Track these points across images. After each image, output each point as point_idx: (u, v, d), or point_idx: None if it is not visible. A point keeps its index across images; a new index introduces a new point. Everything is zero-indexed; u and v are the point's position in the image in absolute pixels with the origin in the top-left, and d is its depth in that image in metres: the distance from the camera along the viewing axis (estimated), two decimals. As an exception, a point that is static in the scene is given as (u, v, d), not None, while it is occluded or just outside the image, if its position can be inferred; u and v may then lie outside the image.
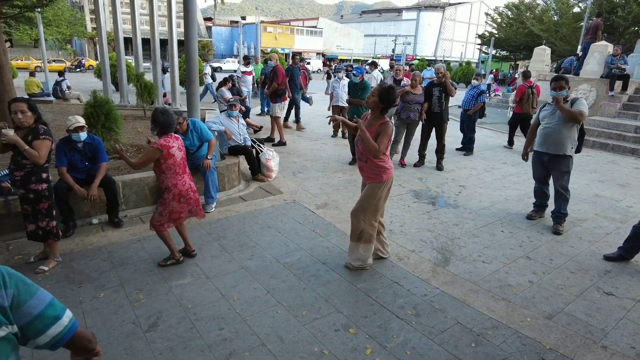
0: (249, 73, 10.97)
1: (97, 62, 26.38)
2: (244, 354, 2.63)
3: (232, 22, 70.63)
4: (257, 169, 6.10)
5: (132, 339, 2.78)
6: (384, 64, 28.67)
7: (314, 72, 41.08)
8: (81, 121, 4.22)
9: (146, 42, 11.57)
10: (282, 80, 8.46)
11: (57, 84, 13.12)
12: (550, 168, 4.85)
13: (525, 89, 8.54)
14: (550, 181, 4.98)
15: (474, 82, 8.29)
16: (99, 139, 4.47)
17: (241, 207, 5.10)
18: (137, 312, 3.04)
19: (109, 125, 6.05)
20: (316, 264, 3.81)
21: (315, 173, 6.64)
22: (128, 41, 26.84)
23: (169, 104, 11.34)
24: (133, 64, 11.92)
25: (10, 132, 3.40)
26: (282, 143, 8.34)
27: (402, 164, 7.16)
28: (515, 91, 9.35)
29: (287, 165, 6.84)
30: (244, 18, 72.72)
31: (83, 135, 4.20)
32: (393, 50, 55.27)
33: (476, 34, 47.96)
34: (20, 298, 1.08)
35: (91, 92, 6.10)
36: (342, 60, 63.15)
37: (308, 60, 49.14)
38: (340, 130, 9.54)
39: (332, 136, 9.52)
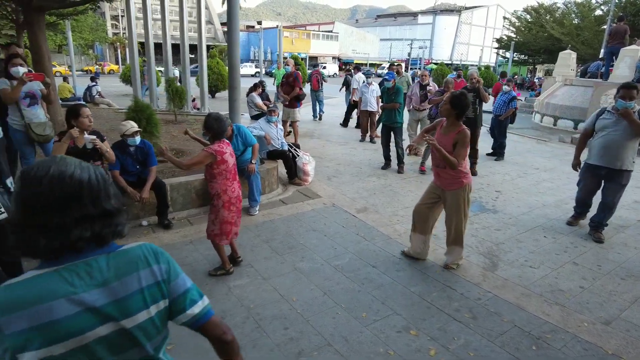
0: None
1: (123, 66, 27.02)
2: (312, 353, 2.72)
3: (247, 26, 71.44)
4: (294, 173, 6.21)
5: (199, 338, 2.87)
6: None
7: (329, 76, 41.34)
8: (136, 126, 4.37)
9: (169, 47, 11.82)
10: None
11: (88, 89, 13.49)
12: (606, 181, 4.63)
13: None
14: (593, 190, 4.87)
15: (505, 87, 8.29)
16: (149, 143, 4.63)
17: (283, 211, 5.20)
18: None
19: (149, 129, 6.22)
20: (366, 267, 3.88)
21: (350, 177, 6.72)
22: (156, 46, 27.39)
23: (198, 109, 11.56)
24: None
25: (92, 137, 3.59)
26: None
27: (421, 170, 7.14)
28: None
29: (320, 170, 6.93)
30: (259, 23, 73.51)
31: (138, 139, 4.36)
32: (409, 54, 55.23)
33: (494, 38, 47.64)
34: (171, 274, 1.15)
35: (132, 98, 6.29)
36: (358, 64, 63.30)
37: (324, 65, 49.44)
38: (367, 134, 9.61)
39: (360, 140, 9.59)
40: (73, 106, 3.73)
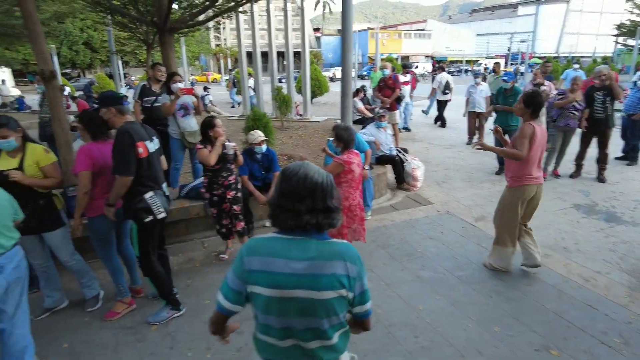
0: (407, 83, 10.72)
1: (228, 76, 29.16)
2: (447, 364, 2.70)
3: (339, 30, 72.51)
4: (402, 178, 6.19)
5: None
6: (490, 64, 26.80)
7: (421, 75, 40.14)
8: (263, 136, 4.71)
9: (264, 55, 12.44)
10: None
11: (202, 98, 14.80)
12: None
13: None
14: None
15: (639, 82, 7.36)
16: (273, 150, 4.95)
17: (395, 216, 5.21)
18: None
19: (266, 136, 6.66)
20: (492, 279, 3.73)
21: (461, 183, 6.50)
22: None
23: (300, 115, 12.05)
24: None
25: (233, 144, 3.99)
26: None
27: (555, 175, 6.65)
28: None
29: (428, 175, 6.80)
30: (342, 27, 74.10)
31: (264, 147, 4.69)
32: (509, 49, 51.62)
33: (614, 25, 42.38)
34: (360, 275, 1.42)
35: (251, 108, 6.76)
36: (452, 62, 60.76)
37: (415, 64, 48.22)
38: (475, 137, 9.19)
39: (467, 143, 9.21)
40: (208, 119, 4.14)
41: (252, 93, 16.96)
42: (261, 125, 6.55)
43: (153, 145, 3.08)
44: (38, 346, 2.80)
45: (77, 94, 15.91)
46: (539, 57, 48.94)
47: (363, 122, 8.20)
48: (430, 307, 3.33)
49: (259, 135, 4.66)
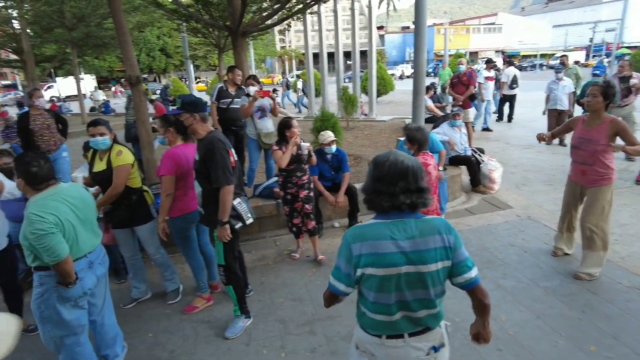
0: (491, 78, 10.26)
1: (281, 79, 29.76)
2: (537, 384, 2.50)
3: (403, 27, 71.21)
4: (478, 180, 5.88)
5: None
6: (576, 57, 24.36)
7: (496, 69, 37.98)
8: (333, 136, 4.70)
9: (330, 56, 12.44)
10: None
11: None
12: None
13: None
14: None
15: None
16: (343, 151, 4.92)
17: (472, 221, 4.96)
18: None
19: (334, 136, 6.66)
20: (584, 292, 3.41)
21: (542, 186, 6.05)
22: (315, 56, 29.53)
23: (365, 114, 11.95)
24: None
25: (307, 144, 4.03)
26: None
27: (638, 181, 5.94)
28: None
29: (506, 177, 6.40)
30: (415, 23, 72.43)
31: (334, 147, 4.68)
32: (591, 40, 47.58)
33: None
34: (456, 245, 1.54)
35: (320, 109, 6.80)
36: (525, 57, 57.18)
37: (485, 60, 45.87)
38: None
39: (547, 143, 8.56)
40: (285, 119, 4.19)
41: (301, 94, 17.74)
42: (329, 125, 6.55)
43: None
44: (125, 334, 3.01)
45: (153, 97, 17.07)
46: (627, 47, 44.49)
47: (433, 120, 7.91)
48: (513, 319, 3.11)
49: (329, 135, 4.65)
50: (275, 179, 4.88)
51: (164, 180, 3.16)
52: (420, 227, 1.52)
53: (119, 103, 24.23)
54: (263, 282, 3.90)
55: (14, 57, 18.03)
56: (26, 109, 10.82)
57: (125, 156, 3.21)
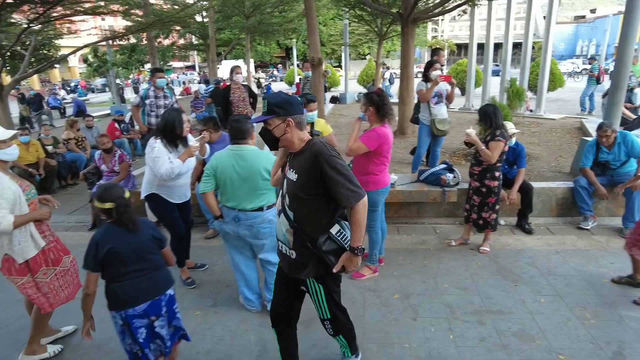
0: None
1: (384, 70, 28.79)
2: None
3: (576, 17, 62.36)
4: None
5: (595, 358, 2.67)
6: None
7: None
8: (514, 128, 4.41)
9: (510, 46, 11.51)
10: None
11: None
12: None
13: None
14: None
15: None
16: (522, 145, 4.59)
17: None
18: (592, 332, 2.90)
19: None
20: None
21: None
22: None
23: (531, 110, 10.94)
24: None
25: (473, 132, 3.91)
26: None
27: None
28: None
29: None
30: (593, 11, 62.83)
31: (514, 140, 4.39)
32: None
33: None
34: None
35: (490, 98, 6.45)
36: None
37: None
38: None
39: None
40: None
41: (387, 84, 18.20)
42: (500, 118, 6.18)
43: None
44: None
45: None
46: None
47: (625, 123, 6.87)
48: None
49: (510, 127, 4.38)
50: (443, 166, 4.83)
51: (356, 145, 3.32)
52: None
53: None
54: (425, 265, 3.94)
55: (197, 42, 21.17)
56: (211, 86, 12.63)
57: (329, 127, 3.74)
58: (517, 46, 12.41)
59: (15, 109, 16.28)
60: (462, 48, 49.24)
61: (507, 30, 10.93)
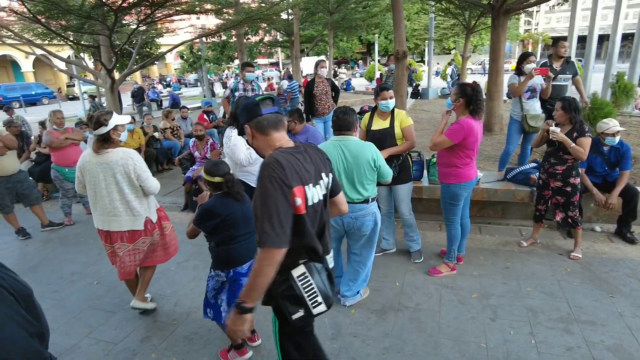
0: None
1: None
2: None
3: None
4: None
5: None
6: None
7: None
8: (619, 126, 4.01)
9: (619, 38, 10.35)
10: None
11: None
12: None
13: None
14: None
15: None
16: (628, 145, 4.16)
17: None
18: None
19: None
20: None
21: None
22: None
23: (640, 109, 9.79)
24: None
25: (558, 129, 3.64)
26: None
27: None
28: None
29: None
30: None
31: (617, 139, 4.00)
32: None
33: None
34: None
35: (591, 95, 5.93)
36: None
37: None
38: None
39: None
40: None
41: (449, 80, 16.99)
42: (601, 115, 5.64)
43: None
44: (375, 276, 3.45)
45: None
46: None
47: None
48: None
49: (614, 124, 3.98)
50: (533, 164, 4.55)
51: (440, 139, 3.27)
52: None
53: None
54: (508, 266, 3.75)
55: (282, 39, 21.88)
56: (294, 81, 13.05)
57: (409, 119, 3.68)
58: (626, 37, 11.14)
59: (127, 99, 18.31)
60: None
61: (615, 19, 9.85)
